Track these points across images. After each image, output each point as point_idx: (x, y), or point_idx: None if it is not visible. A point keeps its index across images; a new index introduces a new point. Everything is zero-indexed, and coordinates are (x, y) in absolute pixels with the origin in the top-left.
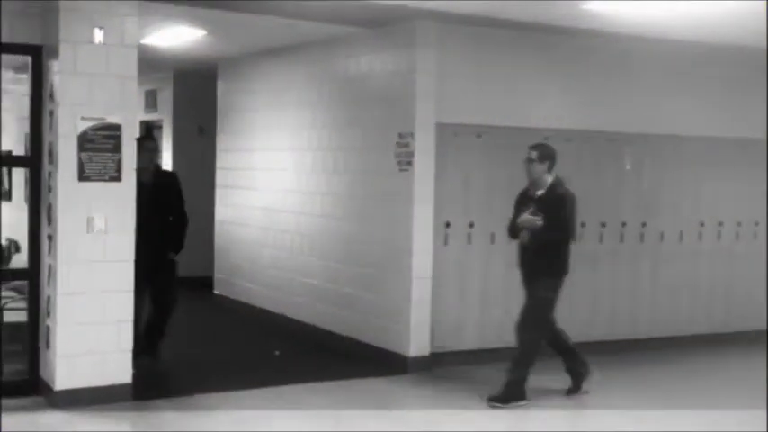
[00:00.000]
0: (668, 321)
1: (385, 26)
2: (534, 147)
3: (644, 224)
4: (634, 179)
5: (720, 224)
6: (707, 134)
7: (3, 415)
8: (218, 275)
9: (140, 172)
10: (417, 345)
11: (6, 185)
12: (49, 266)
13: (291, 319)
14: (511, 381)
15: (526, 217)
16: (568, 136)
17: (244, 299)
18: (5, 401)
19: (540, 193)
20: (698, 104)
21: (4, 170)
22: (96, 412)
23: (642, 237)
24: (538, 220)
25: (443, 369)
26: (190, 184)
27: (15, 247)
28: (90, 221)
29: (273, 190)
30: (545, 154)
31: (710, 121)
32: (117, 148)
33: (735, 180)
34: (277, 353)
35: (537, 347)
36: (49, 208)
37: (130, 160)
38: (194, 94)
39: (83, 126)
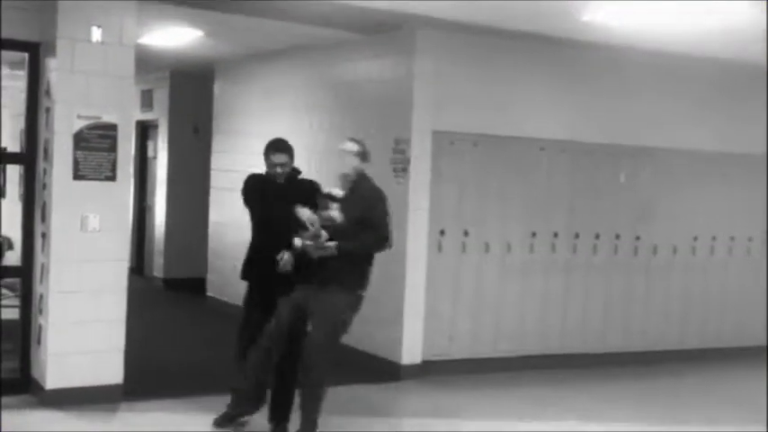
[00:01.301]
0: (661, 335)
1: (383, 32)
2: (352, 139)
3: (638, 237)
4: (629, 191)
5: (714, 239)
6: (703, 148)
7: None
8: (210, 277)
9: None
10: (410, 353)
11: (1, 182)
12: (42, 264)
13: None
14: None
15: (324, 213)
16: (564, 147)
17: (237, 302)
18: None
19: (342, 192)
20: (695, 118)
21: None
22: (87, 412)
23: (636, 250)
24: (334, 218)
25: (436, 377)
26: (184, 185)
27: (9, 244)
28: (84, 220)
29: None
30: (364, 150)
31: (707, 135)
32: (113, 148)
33: (729, 195)
34: None
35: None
36: (44, 205)
37: (126, 160)
38: (191, 95)
39: (79, 124)
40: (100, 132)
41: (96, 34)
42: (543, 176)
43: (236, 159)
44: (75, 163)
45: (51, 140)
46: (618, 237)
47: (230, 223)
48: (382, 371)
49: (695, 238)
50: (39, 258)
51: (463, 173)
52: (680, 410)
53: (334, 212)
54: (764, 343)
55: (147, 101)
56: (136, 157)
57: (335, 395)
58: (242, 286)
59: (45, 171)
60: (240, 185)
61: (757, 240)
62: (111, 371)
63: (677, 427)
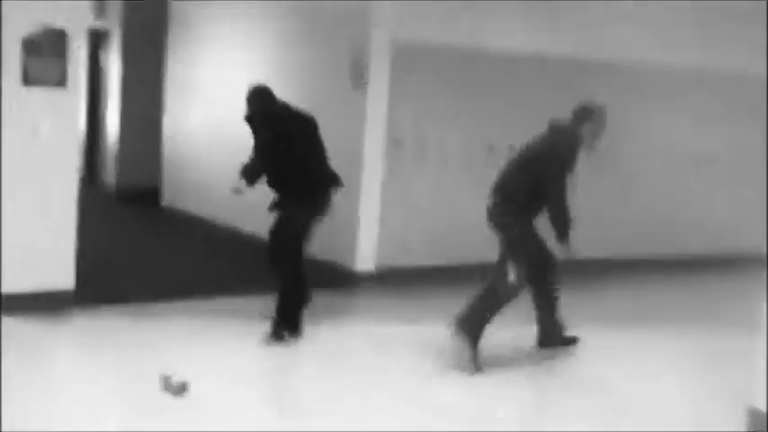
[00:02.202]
0: (630, 244)
1: None
2: None
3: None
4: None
5: (684, 154)
6: (674, 62)
7: None
8: (166, 187)
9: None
10: (363, 260)
11: None
12: None
13: (239, 232)
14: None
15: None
16: (524, 59)
17: (193, 211)
18: None
19: None
20: (668, 34)
21: None
22: (39, 317)
23: (605, 163)
24: None
25: (389, 285)
26: (138, 95)
27: None
28: (34, 127)
29: (225, 102)
30: None
31: (679, 50)
32: (62, 54)
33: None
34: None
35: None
36: None
37: (76, 67)
38: (146, 3)
39: (28, 30)
40: (50, 38)
41: None
42: (504, 89)
43: (194, 69)
44: (25, 69)
45: (0, 47)
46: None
47: (186, 134)
48: (336, 277)
49: (668, 154)
50: None
51: (423, 84)
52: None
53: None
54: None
55: (99, 8)
56: (88, 66)
57: None
58: (195, 197)
59: None
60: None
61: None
62: (63, 277)
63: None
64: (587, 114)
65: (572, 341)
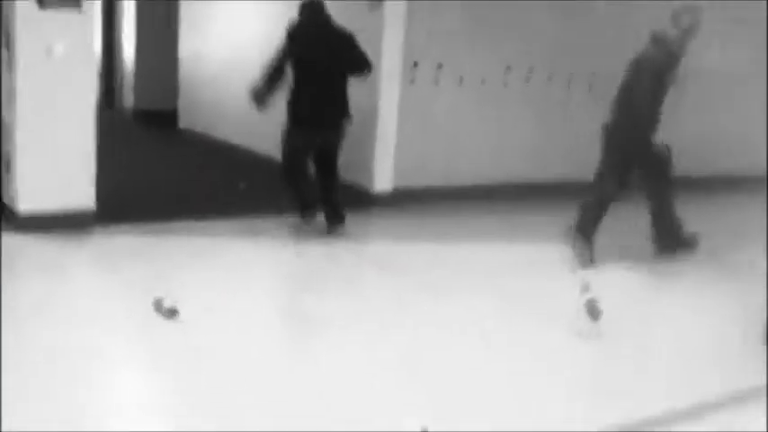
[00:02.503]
0: None
1: None
2: None
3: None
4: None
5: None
6: None
7: None
8: (182, 109)
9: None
10: (382, 181)
11: None
12: (9, 91)
13: (257, 153)
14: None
15: None
16: None
17: (210, 132)
18: None
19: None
20: None
21: None
22: (59, 236)
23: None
24: None
25: (406, 205)
26: (155, 19)
27: None
28: (49, 48)
29: (239, 24)
30: None
31: None
32: None
33: None
34: (242, 185)
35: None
36: (8, 34)
37: None
38: None
39: None
40: None
41: None
42: (522, 9)
43: None
44: None
45: None
46: (594, 75)
47: (202, 56)
48: (354, 198)
49: None
50: (5, 84)
51: (439, 5)
52: None
53: None
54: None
55: None
56: None
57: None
58: (212, 119)
59: None
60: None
61: None
62: (83, 196)
63: None
64: (681, 17)
65: (691, 243)
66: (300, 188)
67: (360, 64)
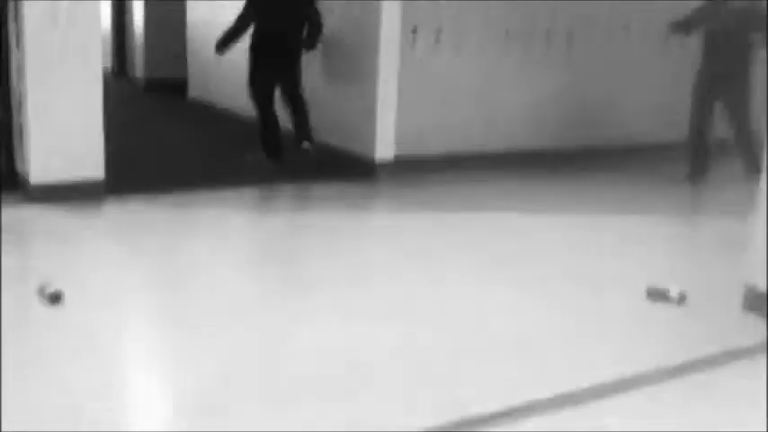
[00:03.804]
0: (627, 131)
1: None
2: None
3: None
4: None
5: None
6: None
7: None
8: (192, 79)
9: None
10: (383, 149)
11: None
12: (18, 60)
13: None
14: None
15: None
16: None
17: (218, 102)
18: None
19: None
20: None
21: None
22: (71, 206)
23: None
24: None
25: (408, 174)
26: None
27: None
28: (54, 15)
29: None
30: None
31: None
32: None
33: None
34: (250, 157)
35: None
36: (16, 6)
37: None
38: None
39: None
40: None
41: None
42: None
43: None
44: None
45: None
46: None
47: (209, 24)
48: (357, 167)
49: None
50: (14, 56)
51: None
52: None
53: None
54: None
55: None
56: None
57: (311, 192)
58: (221, 89)
59: None
60: None
61: None
62: (93, 166)
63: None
64: None
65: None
66: (269, 125)
67: (312, 24)
